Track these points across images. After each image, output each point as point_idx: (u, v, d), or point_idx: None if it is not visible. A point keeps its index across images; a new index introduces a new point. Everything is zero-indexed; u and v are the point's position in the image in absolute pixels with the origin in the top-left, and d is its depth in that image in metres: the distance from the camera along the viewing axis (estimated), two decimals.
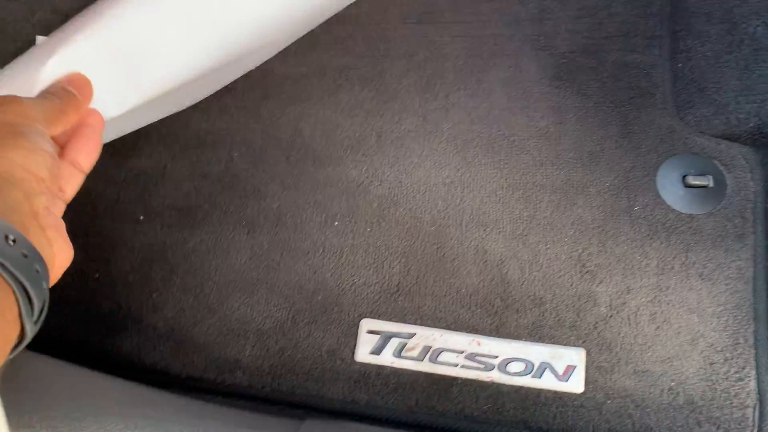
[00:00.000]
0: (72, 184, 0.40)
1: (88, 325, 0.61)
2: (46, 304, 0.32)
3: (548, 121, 0.62)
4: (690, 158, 0.59)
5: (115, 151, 0.66)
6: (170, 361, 0.59)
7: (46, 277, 0.32)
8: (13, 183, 0.33)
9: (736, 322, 0.54)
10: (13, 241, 0.29)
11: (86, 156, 0.42)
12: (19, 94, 0.39)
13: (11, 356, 0.31)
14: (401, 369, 0.56)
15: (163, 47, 0.49)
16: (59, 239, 0.35)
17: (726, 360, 0.54)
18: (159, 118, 0.63)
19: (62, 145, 0.41)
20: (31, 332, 0.31)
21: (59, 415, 0.42)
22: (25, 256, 0.30)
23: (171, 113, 0.64)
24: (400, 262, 0.59)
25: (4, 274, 0.29)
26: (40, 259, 0.31)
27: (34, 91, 0.44)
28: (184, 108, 0.65)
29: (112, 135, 0.58)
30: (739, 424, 0.52)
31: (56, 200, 0.37)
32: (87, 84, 0.45)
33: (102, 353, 0.60)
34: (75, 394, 0.45)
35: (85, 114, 0.44)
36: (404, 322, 0.57)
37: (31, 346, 0.32)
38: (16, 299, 0.29)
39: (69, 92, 0.43)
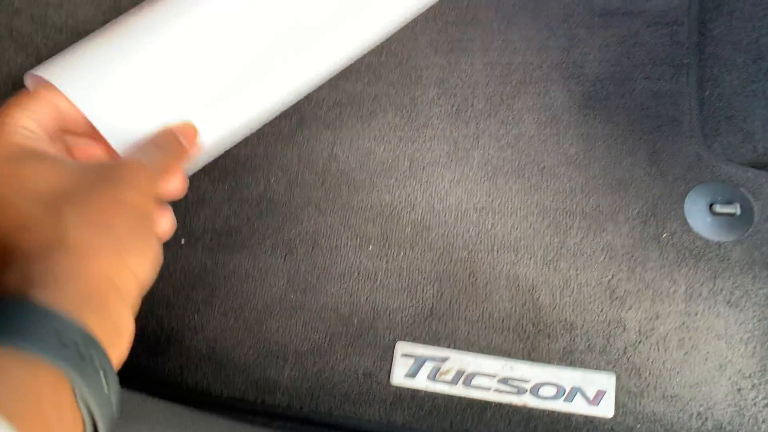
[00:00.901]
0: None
1: (132, 346, 0.64)
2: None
3: (577, 148, 0.63)
4: (717, 186, 0.61)
5: None
6: (211, 381, 0.61)
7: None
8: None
9: (764, 348, 0.55)
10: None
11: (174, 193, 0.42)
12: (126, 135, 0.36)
13: None
14: (435, 392, 0.58)
15: (252, 70, 0.45)
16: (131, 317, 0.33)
17: (754, 386, 0.55)
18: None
19: None
20: None
21: None
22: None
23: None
24: (433, 286, 0.61)
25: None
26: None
27: (139, 132, 0.39)
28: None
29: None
30: None
31: None
32: (195, 134, 0.41)
33: (146, 373, 0.62)
34: (129, 418, 0.47)
35: None
36: (438, 345, 0.59)
37: None
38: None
39: (181, 146, 0.39)
